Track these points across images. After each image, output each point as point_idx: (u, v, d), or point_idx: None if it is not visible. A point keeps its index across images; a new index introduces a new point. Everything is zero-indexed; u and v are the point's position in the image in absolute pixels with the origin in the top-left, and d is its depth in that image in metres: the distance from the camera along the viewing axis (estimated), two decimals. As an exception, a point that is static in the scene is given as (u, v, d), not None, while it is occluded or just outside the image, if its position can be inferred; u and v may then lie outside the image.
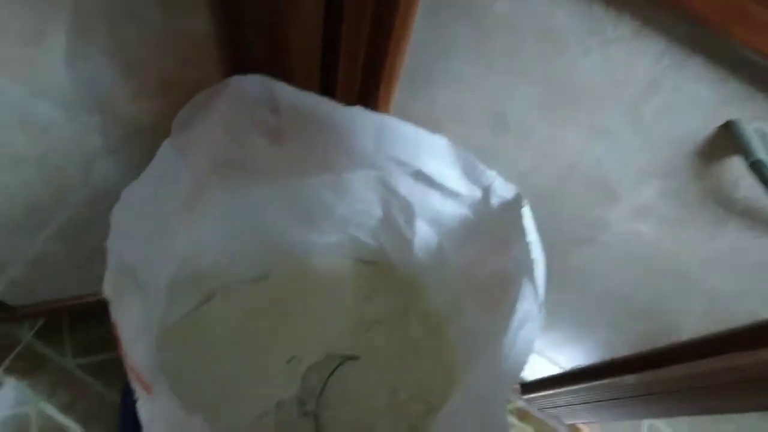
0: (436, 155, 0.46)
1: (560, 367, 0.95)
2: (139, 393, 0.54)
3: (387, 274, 0.78)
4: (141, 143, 0.66)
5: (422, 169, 0.47)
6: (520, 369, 0.41)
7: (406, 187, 0.52)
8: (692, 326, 0.66)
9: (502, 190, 0.46)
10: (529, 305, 0.42)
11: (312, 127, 0.47)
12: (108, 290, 0.40)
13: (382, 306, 0.78)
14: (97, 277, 1.04)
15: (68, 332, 1.17)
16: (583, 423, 1.16)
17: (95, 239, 0.88)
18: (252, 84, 0.46)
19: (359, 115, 0.45)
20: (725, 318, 0.59)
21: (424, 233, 0.56)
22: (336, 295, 0.79)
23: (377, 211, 0.61)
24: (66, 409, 1.13)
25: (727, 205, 0.44)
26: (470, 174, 0.47)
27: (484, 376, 0.47)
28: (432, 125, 0.53)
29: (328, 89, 0.52)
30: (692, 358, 0.70)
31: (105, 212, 0.82)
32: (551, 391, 0.98)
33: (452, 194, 0.49)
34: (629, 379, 0.79)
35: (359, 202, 0.60)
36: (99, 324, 1.18)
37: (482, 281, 0.52)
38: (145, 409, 0.59)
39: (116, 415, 1.13)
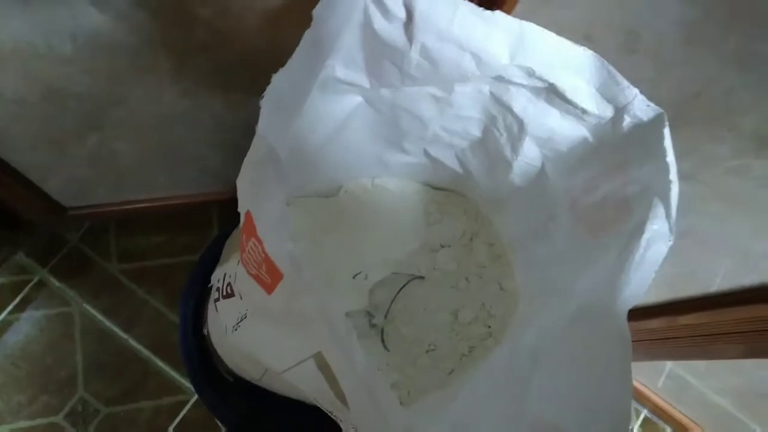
0: (575, 68, 0.45)
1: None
2: (248, 291, 0.55)
3: (457, 200, 0.78)
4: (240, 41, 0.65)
5: (555, 83, 0.46)
6: (645, 286, 0.42)
7: (522, 103, 0.52)
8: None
9: (640, 110, 0.46)
10: (659, 226, 0.43)
11: (443, 31, 0.46)
12: (249, 176, 0.40)
13: (449, 231, 0.79)
14: (149, 183, 1.05)
15: (114, 237, 1.18)
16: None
17: (162, 143, 0.88)
18: (386, -18, 0.45)
19: (499, 20, 0.44)
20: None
21: (528, 154, 0.56)
22: (404, 218, 0.79)
23: (475, 131, 0.60)
24: (108, 313, 1.15)
25: None
26: (608, 91, 0.46)
27: (592, 293, 0.48)
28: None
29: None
30: (720, 306, 0.71)
31: (176, 118, 0.82)
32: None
33: (576, 112, 0.49)
34: (681, 320, 0.81)
35: (458, 120, 0.59)
36: (144, 232, 1.19)
37: (589, 206, 0.52)
38: (233, 310, 0.60)
39: (158, 321, 1.15)
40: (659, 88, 0.51)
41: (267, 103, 0.39)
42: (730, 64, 0.45)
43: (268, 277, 0.44)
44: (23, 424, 1.06)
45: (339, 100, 0.60)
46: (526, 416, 0.50)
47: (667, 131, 0.44)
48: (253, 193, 0.40)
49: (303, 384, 0.50)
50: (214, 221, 1.21)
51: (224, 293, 0.63)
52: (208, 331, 0.78)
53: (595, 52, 0.52)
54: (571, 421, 0.42)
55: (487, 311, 0.76)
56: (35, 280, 1.13)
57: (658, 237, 0.42)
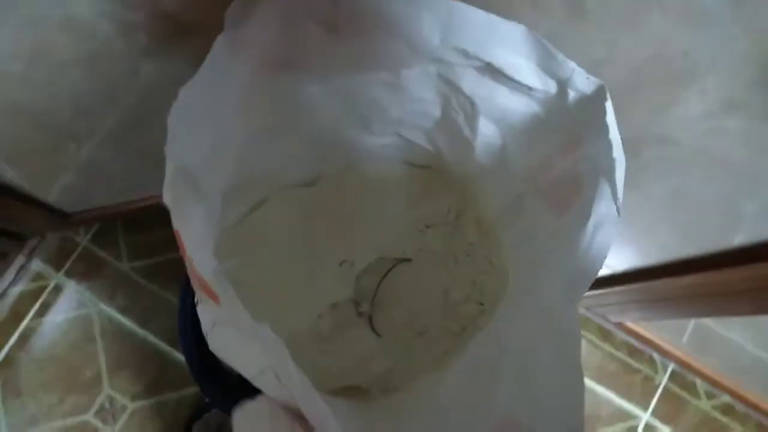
0: (509, 45, 0.42)
1: (609, 268, 0.93)
2: (202, 298, 0.55)
3: (440, 178, 0.75)
4: (187, 41, 0.63)
5: (492, 61, 0.43)
6: (594, 274, 0.40)
7: (470, 83, 0.49)
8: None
9: (582, 83, 0.43)
10: (606, 208, 0.40)
11: (372, 17, 0.43)
12: (168, 197, 0.39)
13: (434, 210, 0.77)
14: (147, 180, 1.05)
15: (123, 236, 1.20)
16: (631, 321, 1.15)
17: (145, 142, 0.88)
18: (305, -28, 0.42)
19: (425, 1, 0.41)
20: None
21: (486, 133, 0.53)
22: (387, 199, 0.78)
23: (435, 112, 0.58)
24: (125, 311, 1.18)
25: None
26: (547, 66, 0.43)
27: (551, 279, 0.46)
28: (497, 10, 0.49)
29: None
30: (745, 262, 0.67)
31: (154, 114, 0.81)
32: (600, 291, 0.98)
33: (523, 89, 0.46)
34: (683, 281, 0.77)
35: (415, 102, 0.57)
36: (151, 228, 1.20)
37: (549, 183, 0.50)
38: (206, 314, 0.60)
39: (172, 314, 1.17)
40: (614, 52, 0.48)
41: (174, 119, 0.38)
42: (682, 25, 0.42)
43: (205, 293, 0.43)
44: (57, 423, 1.10)
45: (292, 88, 0.58)
46: (495, 405, 0.48)
47: (608, 105, 0.41)
48: (175, 213, 0.39)
49: (270, 392, 0.50)
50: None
51: (198, 298, 0.63)
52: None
53: (544, 19, 0.48)
54: (528, 416, 0.40)
55: (478, 289, 0.74)
56: (52, 285, 1.17)
57: (605, 220, 0.40)
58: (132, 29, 0.59)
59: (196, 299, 0.69)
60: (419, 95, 0.55)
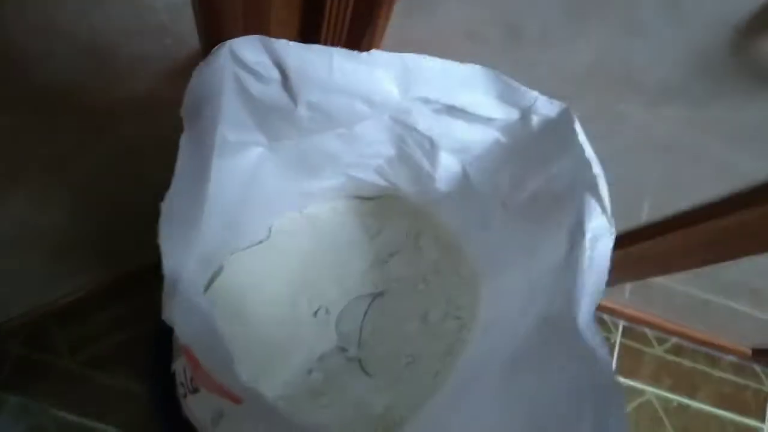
0: (468, 86, 0.43)
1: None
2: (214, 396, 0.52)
3: (394, 206, 0.76)
4: (123, 129, 0.60)
5: (454, 103, 0.44)
6: (599, 292, 0.41)
7: (426, 122, 0.49)
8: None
9: (546, 108, 0.44)
10: (598, 222, 0.42)
11: (325, 83, 0.43)
12: (172, 316, 0.36)
13: (393, 237, 0.77)
14: (65, 275, 0.98)
15: (58, 332, 1.11)
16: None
17: (52, 239, 0.82)
18: (250, 47, 0.41)
19: (378, 59, 0.41)
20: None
21: (447, 164, 0.54)
22: (344, 237, 0.77)
23: (388, 151, 0.58)
24: (78, 410, 1.10)
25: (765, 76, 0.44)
26: (507, 98, 0.44)
27: (545, 290, 0.47)
28: (435, 46, 0.50)
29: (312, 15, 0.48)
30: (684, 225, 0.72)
31: (57, 214, 0.75)
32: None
33: (483, 120, 0.47)
34: (632, 249, 0.82)
35: (369, 147, 0.57)
36: (85, 317, 1.13)
37: (522, 204, 0.51)
38: (209, 404, 0.57)
39: (132, 400, 1.11)
40: (555, 68, 0.50)
41: (164, 236, 0.35)
42: (620, 36, 0.44)
43: (230, 396, 0.41)
44: None
45: (240, 156, 0.57)
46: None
47: (578, 126, 0.43)
48: (182, 331, 0.37)
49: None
50: (153, 281, 1.15)
51: (190, 388, 0.60)
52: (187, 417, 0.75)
53: (482, 47, 0.50)
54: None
55: (454, 304, 0.75)
56: (-10, 403, 1.07)
57: (599, 234, 0.42)
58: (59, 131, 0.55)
59: (182, 393, 0.66)
60: (372, 141, 0.55)
